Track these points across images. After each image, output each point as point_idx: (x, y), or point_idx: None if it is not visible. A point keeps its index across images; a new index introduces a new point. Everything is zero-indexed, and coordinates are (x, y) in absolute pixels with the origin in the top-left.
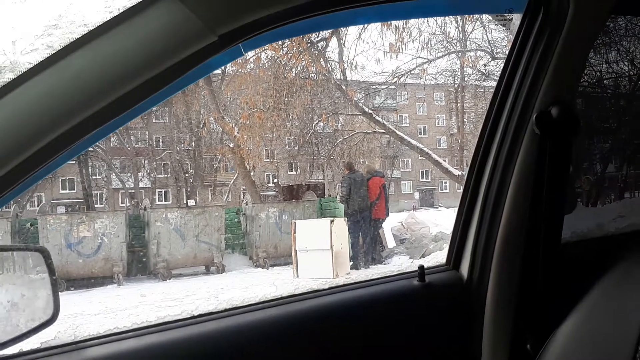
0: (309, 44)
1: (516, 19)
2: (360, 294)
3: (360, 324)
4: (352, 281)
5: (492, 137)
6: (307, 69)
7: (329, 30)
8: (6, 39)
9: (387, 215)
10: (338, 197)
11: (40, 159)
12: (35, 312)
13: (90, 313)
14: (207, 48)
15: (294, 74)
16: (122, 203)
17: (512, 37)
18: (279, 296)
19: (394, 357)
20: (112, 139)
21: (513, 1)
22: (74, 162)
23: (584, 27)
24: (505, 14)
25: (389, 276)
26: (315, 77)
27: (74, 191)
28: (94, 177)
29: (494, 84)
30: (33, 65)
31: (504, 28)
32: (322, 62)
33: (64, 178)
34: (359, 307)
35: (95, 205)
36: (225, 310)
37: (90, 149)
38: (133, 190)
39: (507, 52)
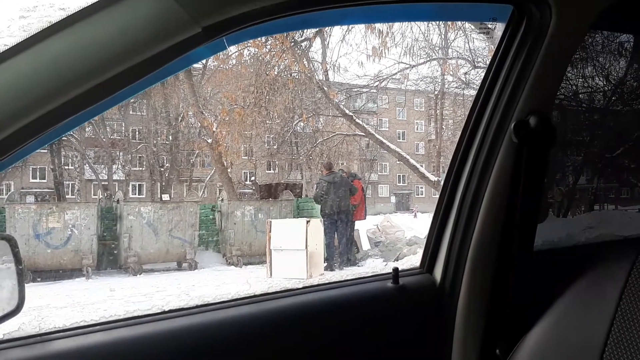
0: (292, 43)
1: (499, 28)
2: (334, 294)
3: (333, 324)
4: (327, 281)
5: (471, 144)
6: (290, 68)
7: (313, 30)
8: None
9: (365, 217)
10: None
11: (11, 145)
12: None
13: (56, 306)
14: (190, 39)
15: (276, 72)
16: (94, 195)
17: (493, 47)
18: (252, 294)
19: (366, 358)
20: (87, 129)
21: (497, 11)
22: (46, 150)
23: (565, 39)
24: (488, 24)
25: (363, 277)
26: (297, 77)
27: (45, 181)
28: (66, 167)
29: (473, 92)
30: (8, 47)
31: (485, 38)
32: (305, 62)
33: (34, 167)
34: (333, 307)
35: (67, 196)
36: (197, 306)
37: (63, 137)
38: (106, 182)
39: (487, 62)
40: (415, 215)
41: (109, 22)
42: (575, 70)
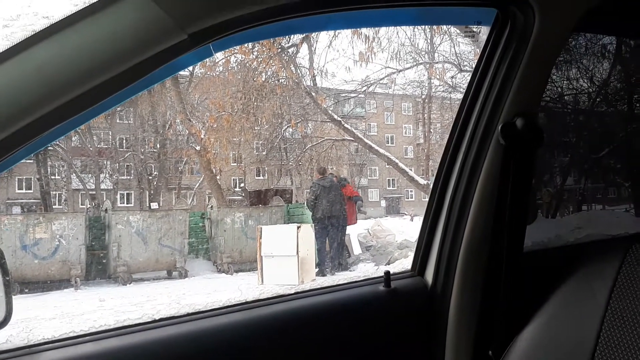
0: (279, 49)
1: (484, 32)
2: (326, 299)
3: (325, 329)
4: (318, 286)
5: (459, 146)
6: (277, 74)
7: (300, 37)
8: None
9: (356, 221)
10: (305, 201)
11: None
12: None
13: (44, 317)
14: (177, 46)
15: (263, 79)
16: (82, 204)
17: (479, 51)
18: (243, 301)
19: None
20: (73, 138)
21: (481, 14)
22: (32, 160)
23: (549, 42)
24: (473, 27)
25: (355, 281)
26: (285, 83)
27: (31, 191)
28: (53, 177)
29: (460, 96)
30: None
31: (471, 41)
32: (293, 68)
33: (20, 177)
34: (325, 312)
35: (54, 206)
36: (188, 314)
37: (49, 147)
38: (94, 192)
39: (473, 65)
40: (412, 219)
41: (94, 30)
42: (560, 73)
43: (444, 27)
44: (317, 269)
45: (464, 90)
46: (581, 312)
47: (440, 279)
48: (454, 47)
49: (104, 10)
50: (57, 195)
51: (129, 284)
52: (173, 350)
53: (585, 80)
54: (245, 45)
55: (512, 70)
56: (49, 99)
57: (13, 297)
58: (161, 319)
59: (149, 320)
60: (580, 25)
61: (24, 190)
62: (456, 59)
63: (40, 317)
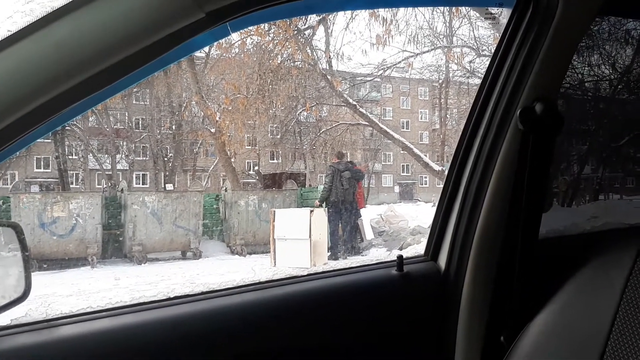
0: (295, 32)
1: (505, 15)
2: (338, 281)
3: (337, 311)
4: (331, 268)
5: (476, 131)
6: (293, 57)
7: (317, 18)
8: None
9: (365, 205)
10: (321, 187)
11: (14, 133)
12: (6, 289)
13: (62, 294)
14: (194, 25)
15: (279, 61)
16: (98, 184)
17: (498, 35)
18: (257, 281)
19: (371, 345)
20: (90, 118)
21: None
22: (49, 140)
23: (572, 25)
24: (493, 10)
25: (368, 265)
26: (300, 66)
27: (49, 170)
28: (70, 157)
29: (478, 81)
30: (11, 32)
31: (490, 25)
32: (309, 51)
33: (39, 156)
34: (337, 294)
35: (71, 186)
36: (202, 293)
37: (67, 127)
38: (110, 172)
39: (492, 50)
40: (434, 204)
41: (112, 8)
42: (581, 58)
43: (463, 10)
44: (330, 253)
45: (482, 75)
46: (596, 300)
47: (454, 264)
48: (472, 31)
49: None
50: (74, 174)
51: (144, 263)
52: (187, 327)
53: (607, 67)
54: (261, 26)
55: (532, 53)
56: (66, 77)
57: (32, 273)
58: (176, 297)
59: (164, 297)
60: (604, 8)
61: (42, 169)
62: (475, 44)
63: (57, 293)
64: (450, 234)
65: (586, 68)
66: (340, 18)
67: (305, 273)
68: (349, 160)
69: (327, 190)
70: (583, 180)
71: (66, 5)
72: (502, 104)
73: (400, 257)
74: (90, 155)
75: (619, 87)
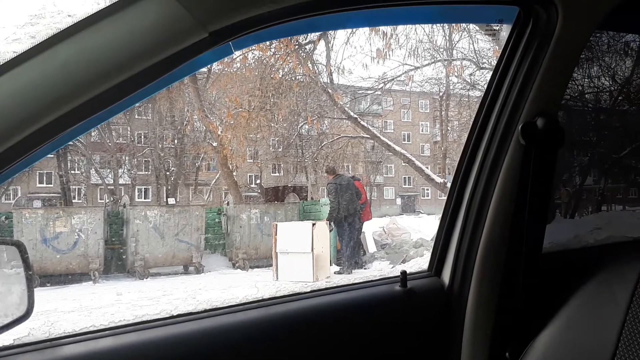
0: (296, 46)
1: (505, 30)
2: (342, 297)
3: (341, 328)
4: (334, 285)
5: (478, 145)
6: (294, 71)
7: (318, 33)
8: None
9: (371, 217)
10: (329, 206)
11: (21, 151)
12: (9, 307)
13: (63, 310)
14: (197, 44)
15: (280, 75)
16: (100, 199)
17: (498, 48)
18: (260, 298)
19: None
20: (92, 134)
21: (503, 12)
22: (52, 155)
23: (572, 40)
24: (494, 25)
25: (371, 281)
26: (302, 80)
27: (52, 185)
28: (72, 172)
29: (478, 93)
30: (18, 54)
31: (490, 39)
32: (310, 65)
33: (41, 171)
34: (341, 311)
35: (73, 201)
36: (205, 310)
37: (70, 143)
38: (112, 187)
39: (492, 63)
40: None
41: (116, 29)
42: (581, 71)
43: (463, 24)
44: (332, 266)
45: (483, 88)
46: (601, 315)
47: (457, 279)
48: (472, 44)
49: (126, 8)
50: (76, 189)
51: (146, 278)
52: (191, 346)
53: (607, 79)
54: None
55: (533, 69)
56: (72, 96)
57: (34, 290)
58: (179, 315)
59: (167, 316)
60: (603, 22)
61: (44, 184)
62: (475, 56)
63: (59, 309)
64: (454, 249)
65: (586, 80)
66: (341, 33)
67: (308, 288)
68: (351, 175)
69: (334, 209)
70: (585, 192)
71: (71, 27)
72: (503, 118)
73: (403, 272)
74: (93, 170)
75: (619, 98)
